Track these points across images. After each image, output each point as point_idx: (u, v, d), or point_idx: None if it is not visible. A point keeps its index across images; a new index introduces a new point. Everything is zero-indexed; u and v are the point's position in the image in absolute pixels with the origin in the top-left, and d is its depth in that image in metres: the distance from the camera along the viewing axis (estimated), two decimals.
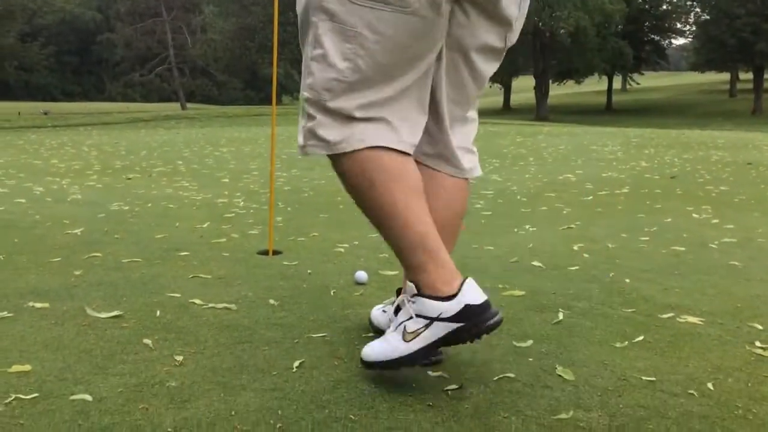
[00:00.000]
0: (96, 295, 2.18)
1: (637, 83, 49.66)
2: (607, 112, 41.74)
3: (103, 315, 1.98)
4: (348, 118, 1.54)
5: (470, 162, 1.78)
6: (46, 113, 25.96)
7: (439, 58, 1.62)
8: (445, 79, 1.67)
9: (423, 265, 1.52)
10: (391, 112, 1.56)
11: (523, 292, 2.35)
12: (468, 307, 1.49)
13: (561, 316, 2.10)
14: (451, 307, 1.49)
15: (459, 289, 1.50)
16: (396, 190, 1.53)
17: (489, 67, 1.73)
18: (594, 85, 51.06)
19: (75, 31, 58.05)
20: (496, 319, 1.51)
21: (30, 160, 7.36)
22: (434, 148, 1.73)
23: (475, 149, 1.81)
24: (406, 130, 1.58)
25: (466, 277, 1.53)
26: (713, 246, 3.23)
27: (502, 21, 1.62)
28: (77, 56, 59.93)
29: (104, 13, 53.02)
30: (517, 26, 1.69)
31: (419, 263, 1.53)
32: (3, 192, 4.68)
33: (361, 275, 2.46)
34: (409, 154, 1.59)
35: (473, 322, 1.49)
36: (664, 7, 41.97)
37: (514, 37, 1.70)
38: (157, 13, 37.92)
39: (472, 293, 1.51)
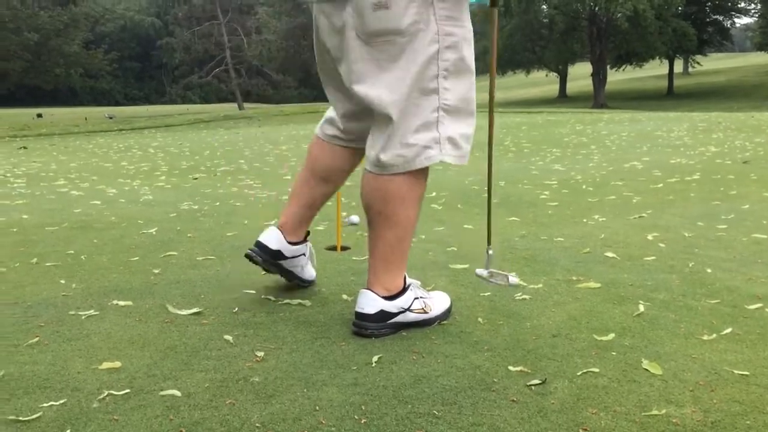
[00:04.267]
0: (175, 292, 2.24)
1: (700, 65, 47.85)
2: (669, 96, 40.40)
3: (184, 312, 2.03)
4: None
5: None
6: (111, 117, 26.89)
7: None
8: None
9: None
10: None
11: (598, 285, 2.30)
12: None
13: (642, 308, 2.04)
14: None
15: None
16: None
17: None
18: (653, 70, 49.47)
19: (136, 38, 59.89)
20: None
21: (101, 163, 7.62)
22: None
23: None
24: None
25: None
26: None
27: None
28: (138, 62, 61.82)
29: (163, 18, 54.50)
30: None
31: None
32: (79, 195, 4.86)
33: (355, 218, 3.34)
34: None
35: None
36: None
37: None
38: (214, 16, 38.67)
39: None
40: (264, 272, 2.24)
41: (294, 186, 2.13)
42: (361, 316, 1.84)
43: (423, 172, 1.82)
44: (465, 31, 1.77)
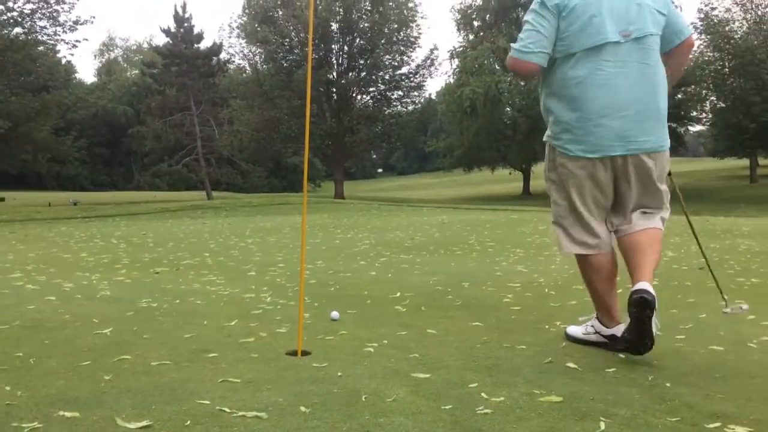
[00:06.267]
0: (125, 402, 2.16)
1: None
2: None
3: (133, 425, 1.95)
4: None
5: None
6: (75, 203, 26.65)
7: None
8: None
9: (599, 311, 3.15)
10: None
11: (560, 398, 2.28)
12: (611, 336, 3.02)
13: (603, 425, 2.02)
14: (604, 331, 3.08)
15: (613, 327, 3.03)
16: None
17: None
18: None
19: (107, 125, 60.35)
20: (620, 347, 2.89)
21: (60, 254, 7.47)
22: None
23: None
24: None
25: (621, 323, 3.00)
26: (753, 345, 3.14)
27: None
28: (108, 148, 62.01)
29: (135, 107, 55.17)
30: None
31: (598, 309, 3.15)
32: (34, 289, 4.73)
33: (335, 314, 3.65)
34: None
35: (611, 342, 3.01)
36: (680, 96, 42.50)
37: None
38: (187, 107, 39.30)
39: (619, 331, 2.94)
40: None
41: (601, 295, 3.15)
42: (648, 293, 2.76)
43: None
44: None
